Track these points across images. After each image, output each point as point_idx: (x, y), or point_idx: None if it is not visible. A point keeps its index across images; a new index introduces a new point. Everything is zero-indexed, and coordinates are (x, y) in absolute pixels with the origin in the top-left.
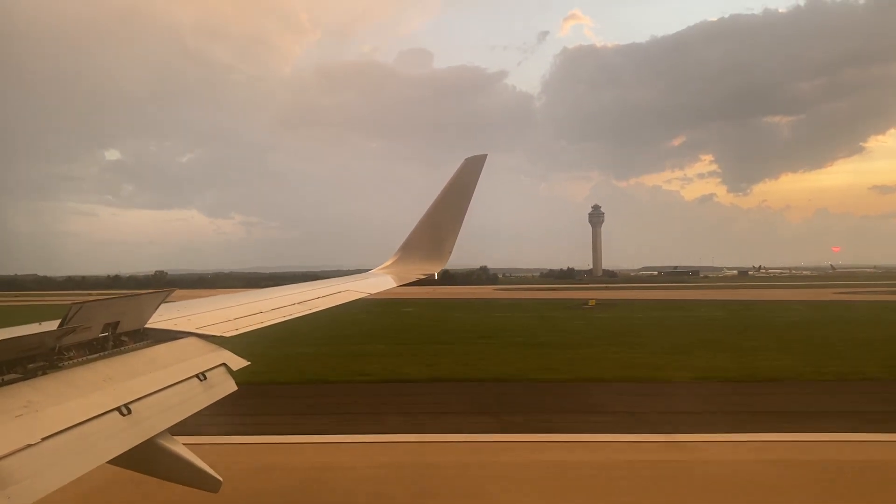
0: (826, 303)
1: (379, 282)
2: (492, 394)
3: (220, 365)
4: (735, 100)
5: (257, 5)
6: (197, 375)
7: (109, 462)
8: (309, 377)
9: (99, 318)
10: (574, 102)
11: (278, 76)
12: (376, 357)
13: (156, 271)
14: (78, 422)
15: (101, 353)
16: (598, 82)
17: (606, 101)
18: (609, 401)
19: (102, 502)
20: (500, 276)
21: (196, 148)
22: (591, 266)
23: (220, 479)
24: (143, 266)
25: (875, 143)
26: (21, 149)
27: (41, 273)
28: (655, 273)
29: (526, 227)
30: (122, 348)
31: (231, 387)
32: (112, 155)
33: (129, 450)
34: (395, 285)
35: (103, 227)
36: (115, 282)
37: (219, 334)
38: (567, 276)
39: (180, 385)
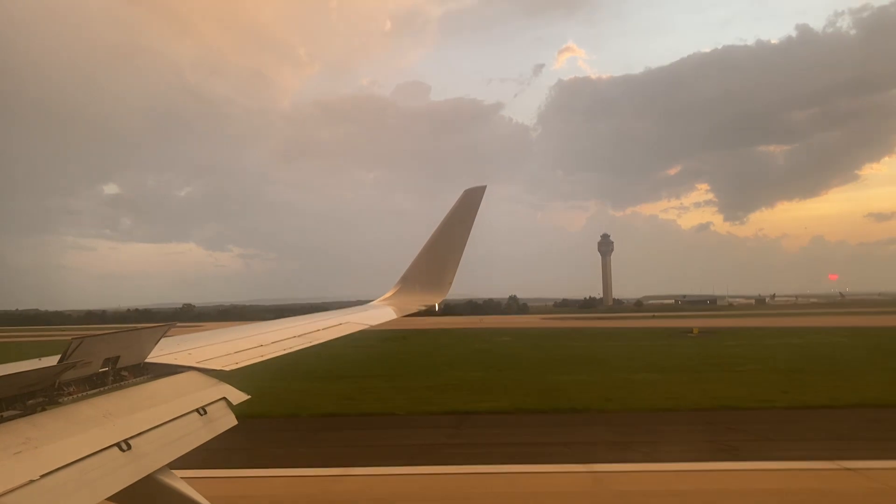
0: None
1: (379, 313)
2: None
3: (221, 399)
4: (730, 129)
5: (256, 40)
6: (197, 410)
7: (109, 499)
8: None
9: (99, 352)
10: (570, 133)
11: (277, 109)
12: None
13: (183, 304)
14: (77, 458)
15: (102, 389)
16: (593, 113)
17: (602, 132)
18: None
19: None
20: (528, 305)
21: (194, 181)
22: (600, 295)
23: None
24: (142, 300)
25: (869, 170)
26: (20, 183)
27: (43, 308)
28: (672, 301)
29: (524, 256)
30: (123, 383)
31: (231, 421)
32: (110, 189)
33: (129, 486)
34: (395, 317)
35: (102, 261)
36: (141, 315)
37: (219, 368)
38: (588, 305)
39: (180, 420)
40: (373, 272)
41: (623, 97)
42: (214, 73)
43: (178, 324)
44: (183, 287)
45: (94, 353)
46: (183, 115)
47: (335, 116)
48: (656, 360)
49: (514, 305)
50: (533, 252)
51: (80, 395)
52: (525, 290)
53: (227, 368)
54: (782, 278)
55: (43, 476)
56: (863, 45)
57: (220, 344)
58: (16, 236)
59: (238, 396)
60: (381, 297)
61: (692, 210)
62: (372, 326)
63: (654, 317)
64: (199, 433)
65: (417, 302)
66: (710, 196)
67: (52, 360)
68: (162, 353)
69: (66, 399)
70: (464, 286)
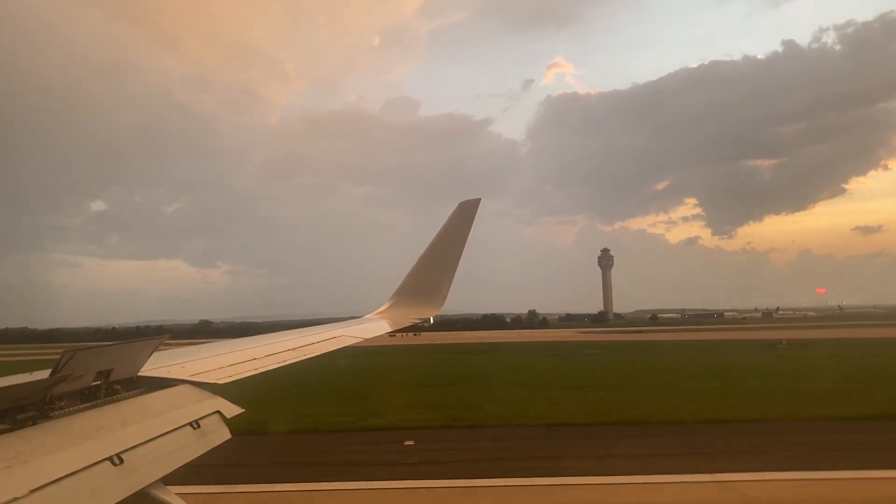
0: None
1: (373, 327)
2: None
3: (214, 412)
4: (717, 144)
5: (244, 56)
6: (190, 423)
7: None
8: None
9: (91, 366)
10: (559, 148)
11: (265, 125)
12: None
13: (200, 320)
14: (68, 473)
15: (94, 402)
16: (581, 129)
17: (590, 147)
18: None
19: None
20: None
21: (182, 197)
22: (600, 308)
23: None
24: (130, 317)
25: (856, 184)
26: (5, 199)
27: (32, 326)
28: (676, 316)
29: (515, 271)
30: (115, 396)
31: (225, 435)
32: (97, 205)
33: (122, 500)
34: (389, 330)
35: (88, 278)
36: (158, 331)
37: (212, 381)
38: (600, 319)
39: (173, 433)
40: (364, 288)
41: (611, 112)
42: (202, 90)
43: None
44: (171, 304)
45: (86, 367)
46: (171, 131)
47: (324, 132)
48: (832, 370)
49: (535, 320)
50: (524, 267)
51: (71, 408)
52: (518, 306)
53: (221, 382)
54: (771, 292)
55: (32, 491)
56: (848, 60)
57: (213, 357)
58: (0, 253)
59: (232, 410)
60: (376, 311)
61: (680, 224)
62: (366, 340)
63: (688, 329)
64: (193, 447)
65: (412, 315)
66: (698, 210)
67: (44, 374)
68: (155, 366)
69: (57, 413)
70: (455, 302)
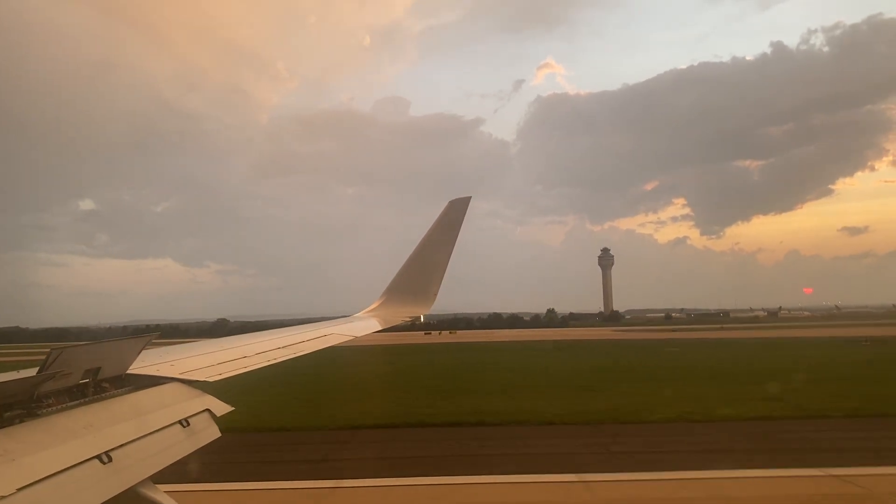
0: None
1: (364, 325)
2: None
3: (204, 411)
4: (706, 144)
5: (234, 55)
6: (180, 422)
7: None
8: None
9: (79, 363)
10: (549, 149)
11: (255, 124)
12: None
13: (218, 319)
14: (56, 471)
15: (82, 400)
16: (571, 129)
17: (580, 148)
18: None
19: None
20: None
21: (171, 197)
22: (600, 308)
23: None
24: (118, 317)
25: (843, 185)
26: None
27: (23, 325)
28: (681, 315)
29: (506, 271)
30: (104, 394)
31: (215, 433)
32: (86, 204)
33: (109, 499)
34: (380, 328)
35: (76, 277)
36: (173, 330)
37: (202, 379)
38: (613, 318)
39: (163, 432)
40: (354, 288)
41: (601, 113)
42: (192, 88)
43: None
44: (160, 304)
45: (74, 364)
46: (160, 130)
47: (314, 131)
48: None
49: (556, 319)
50: (514, 267)
51: (59, 406)
52: (511, 305)
53: (211, 380)
54: (759, 292)
55: (19, 489)
56: (836, 62)
57: (203, 355)
58: None
59: (222, 408)
60: (366, 309)
61: (669, 224)
62: (357, 338)
63: (721, 328)
64: (182, 445)
65: (403, 313)
66: (687, 210)
67: (31, 372)
68: (144, 364)
69: (45, 411)
70: (445, 302)
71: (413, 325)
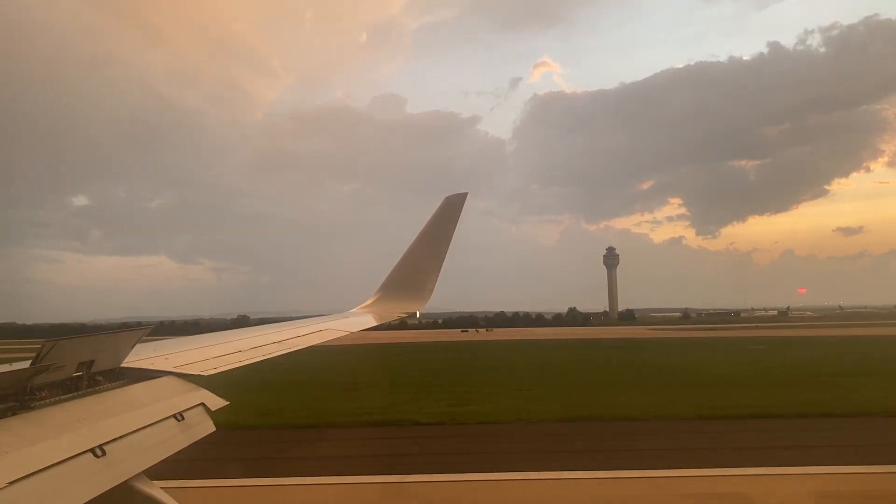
0: None
1: (359, 321)
2: None
3: (199, 405)
4: (702, 144)
5: (230, 51)
6: (174, 415)
7: None
8: None
9: (73, 356)
10: (545, 147)
11: (251, 121)
12: None
13: (238, 315)
14: (49, 464)
15: (75, 393)
16: (568, 128)
17: (576, 147)
18: None
19: None
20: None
21: (166, 193)
22: (604, 308)
23: None
24: (112, 314)
25: (838, 186)
26: None
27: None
28: (692, 314)
29: (502, 270)
30: (97, 388)
31: (209, 427)
32: (80, 200)
33: (103, 493)
34: (375, 324)
35: (70, 273)
36: (193, 326)
37: (197, 373)
38: (627, 317)
39: (157, 425)
40: (349, 286)
41: (597, 112)
42: (187, 84)
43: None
44: (154, 300)
45: (68, 357)
46: (155, 126)
47: (310, 128)
48: None
49: (579, 317)
50: (509, 265)
51: (52, 399)
52: (506, 304)
53: (206, 373)
54: (754, 293)
55: (11, 483)
56: (832, 62)
57: (197, 349)
58: None
59: (216, 402)
60: (362, 305)
61: (665, 224)
62: (352, 333)
63: (757, 327)
64: (177, 439)
65: (398, 309)
66: (683, 210)
67: (24, 365)
68: (138, 357)
69: (38, 403)
70: (438, 299)
71: (441, 324)
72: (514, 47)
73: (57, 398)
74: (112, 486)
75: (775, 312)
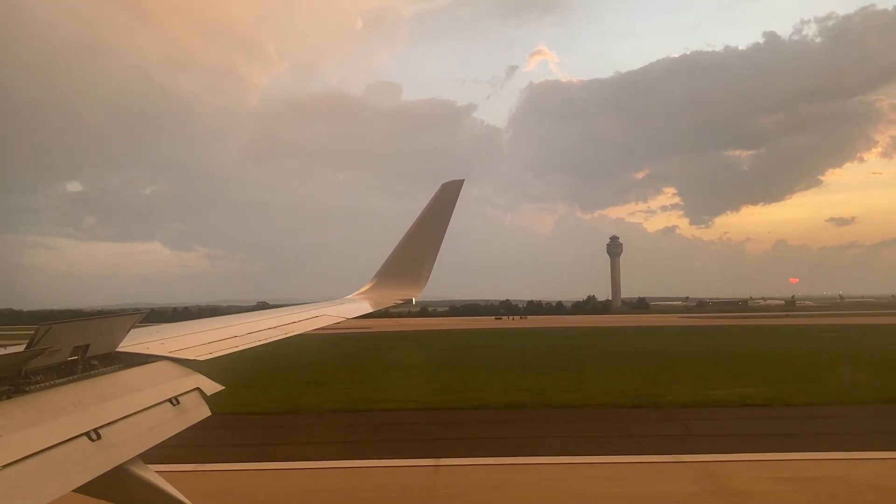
0: None
1: (355, 307)
2: None
3: (194, 389)
4: (697, 133)
5: (225, 37)
6: (170, 400)
7: (76, 490)
8: None
9: (68, 340)
10: (540, 136)
11: (245, 108)
12: None
13: (258, 302)
14: (44, 447)
15: (70, 377)
16: (563, 117)
17: (572, 135)
18: None
19: None
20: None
21: (160, 180)
22: (607, 297)
23: None
24: (106, 300)
25: (832, 176)
26: None
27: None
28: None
29: (497, 259)
30: (92, 372)
31: (205, 412)
32: (73, 186)
33: (98, 477)
34: (371, 310)
35: (64, 260)
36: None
37: (192, 358)
38: (641, 306)
39: (152, 410)
40: (343, 274)
41: (592, 101)
42: (182, 70)
43: None
44: (148, 287)
45: (63, 341)
46: (149, 112)
47: (305, 115)
48: None
49: (599, 305)
50: (504, 254)
51: (47, 383)
52: (501, 293)
53: (201, 359)
54: (748, 282)
55: (6, 466)
56: (828, 52)
57: (193, 334)
58: None
59: (212, 387)
60: (358, 291)
61: (659, 213)
62: (348, 319)
63: (787, 315)
64: (172, 423)
65: (394, 296)
66: (677, 200)
67: (19, 349)
68: (133, 342)
69: (33, 387)
70: (431, 287)
71: (448, 311)
72: (510, 34)
73: (52, 382)
74: (107, 469)
75: (782, 302)
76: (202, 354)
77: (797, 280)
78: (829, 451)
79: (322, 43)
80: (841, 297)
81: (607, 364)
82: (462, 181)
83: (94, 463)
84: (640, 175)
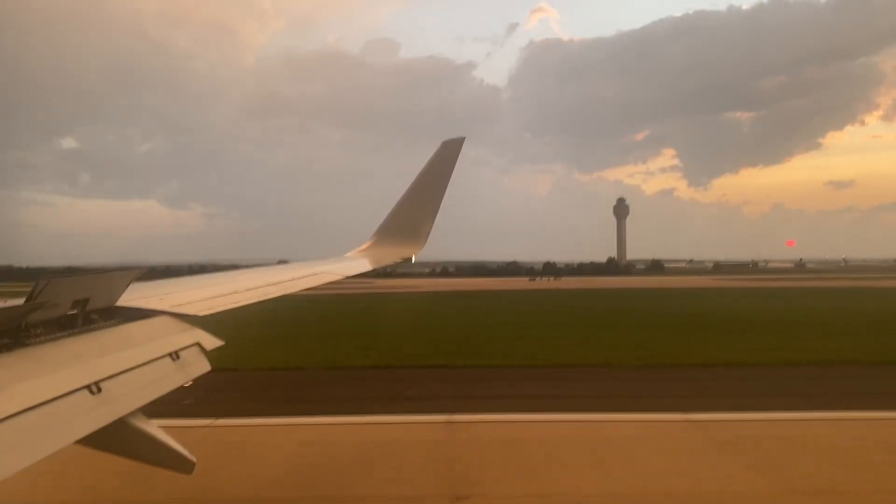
0: None
1: (354, 265)
2: None
3: (194, 344)
4: (698, 95)
5: None
6: (170, 354)
7: (78, 442)
8: None
9: (67, 294)
10: (540, 96)
11: (241, 65)
12: None
13: (279, 261)
14: (45, 400)
15: (70, 331)
16: (563, 76)
17: (572, 95)
18: None
19: (70, 483)
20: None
21: (155, 137)
22: (611, 257)
23: (194, 459)
24: (103, 258)
25: (832, 139)
26: None
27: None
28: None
29: (493, 220)
30: (92, 326)
31: (205, 367)
32: (68, 143)
33: (100, 429)
34: (370, 268)
35: (59, 217)
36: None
37: (192, 313)
38: (656, 267)
39: (153, 364)
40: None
41: (593, 60)
42: (177, 26)
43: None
44: (145, 245)
45: (62, 295)
46: (144, 69)
47: (301, 73)
48: None
49: (619, 267)
50: (501, 215)
51: (48, 337)
52: (500, 254)
53: (201, 314)
54: (744, 245)
55: (8, 417)
56: (833, 13)
57: (193, 290)
58: None
59: (212, 342)
60: (357, 249)
61: (657, 175)
62: (347, 277)
63: (805, 278)
64: (172, 378)
65: (394, 254)
66: (676, 161)
67: (18, 303)
68: (133, 296)
69: (33, 340)
70: (436, 248)
71: (455, 272)
72: None
73: (52, 336)
74: (108, 422)
75: (791, 265)
76: (202, 310)
77: (794, 243)
78: None
79: None
80: (845, 261)
81: (797, 324)
82: (463, 139)
83: (96, 415)
84: (639, 136)
